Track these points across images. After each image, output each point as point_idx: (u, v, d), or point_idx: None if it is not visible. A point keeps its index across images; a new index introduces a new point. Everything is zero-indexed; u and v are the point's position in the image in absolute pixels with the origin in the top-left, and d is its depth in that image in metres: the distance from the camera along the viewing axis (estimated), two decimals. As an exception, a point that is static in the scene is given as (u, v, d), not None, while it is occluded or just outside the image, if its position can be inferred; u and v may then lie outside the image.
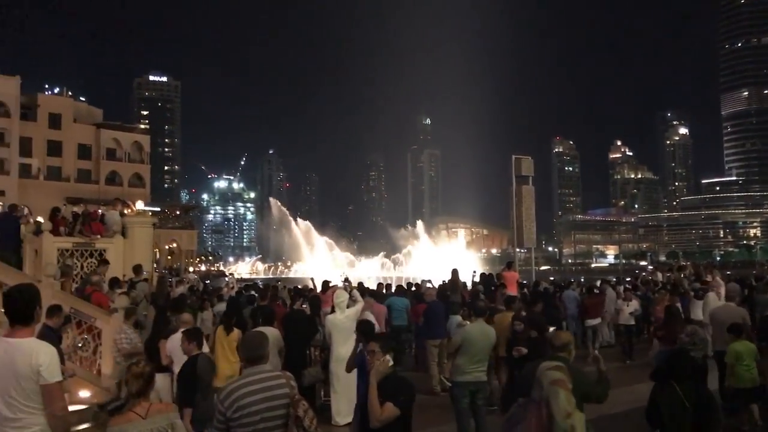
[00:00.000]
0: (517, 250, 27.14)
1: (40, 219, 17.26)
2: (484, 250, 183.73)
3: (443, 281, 18.50)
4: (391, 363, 5.02)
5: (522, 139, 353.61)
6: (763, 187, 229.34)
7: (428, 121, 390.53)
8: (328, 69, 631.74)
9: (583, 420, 4.69)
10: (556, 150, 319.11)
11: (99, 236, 15.69)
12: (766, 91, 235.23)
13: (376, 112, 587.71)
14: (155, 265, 25.53)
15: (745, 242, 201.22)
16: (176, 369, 8.12)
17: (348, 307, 10.55)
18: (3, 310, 4.66)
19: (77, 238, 15.45)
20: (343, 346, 9.68)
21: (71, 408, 6.75)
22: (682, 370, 5.70)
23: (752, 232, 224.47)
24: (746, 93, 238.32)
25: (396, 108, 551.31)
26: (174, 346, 8.29)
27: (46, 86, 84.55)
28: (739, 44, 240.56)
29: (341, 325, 10.07)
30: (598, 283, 21.72)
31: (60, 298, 10.22)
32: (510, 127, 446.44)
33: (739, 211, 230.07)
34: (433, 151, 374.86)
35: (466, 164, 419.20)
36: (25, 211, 18.16)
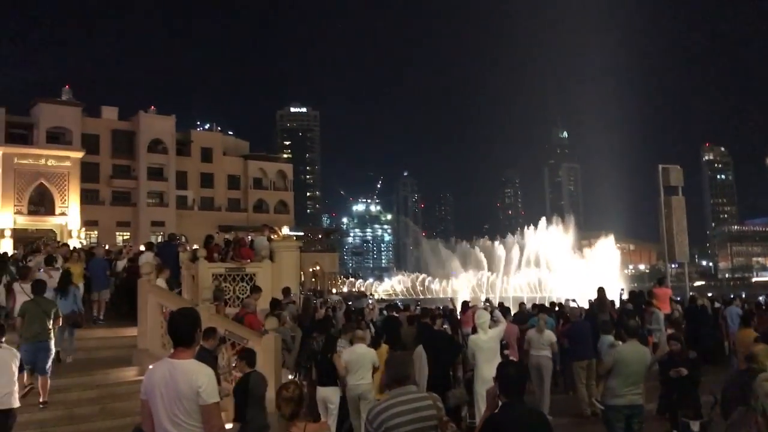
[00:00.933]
0: (668, 265, 25.65)
1: (195, 246, 18.45)
2: (631, 266, 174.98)
3: (590, 300, 17.78)
4: (497, 393, 4.52)
5: (668, 147, 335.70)
6: None
7: (565, 134, 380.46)
8: (460, 85, 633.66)
9: None
10: (707, 158, 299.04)
11: (249, 261, 16.51)
12: None
13: (510, 128, 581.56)
14: (301, 288, 26.47)
15: None
16: (351, 381, 9.56)
17: (490, 327, 10.40)
18: (168, 333, 4.97)
19: (229, 264, 16.34)
20: (488, 367, 9.53)
21: (228, 426, 7.07)
22: None
23: None
24: None
25: (530, 122, 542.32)
26: (349, 359, 9.65)
27: (198, 123, 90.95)
28: None
29: (485, 345, 9.94)
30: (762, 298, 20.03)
31: (215, 321, 10.78)
32: (654, 136, 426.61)
33: None
34: (571, 164, 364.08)
35: (607, 177, 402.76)
36: (183, 239, 19.55)
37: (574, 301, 18.81)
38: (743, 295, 28.48)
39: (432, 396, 4.80)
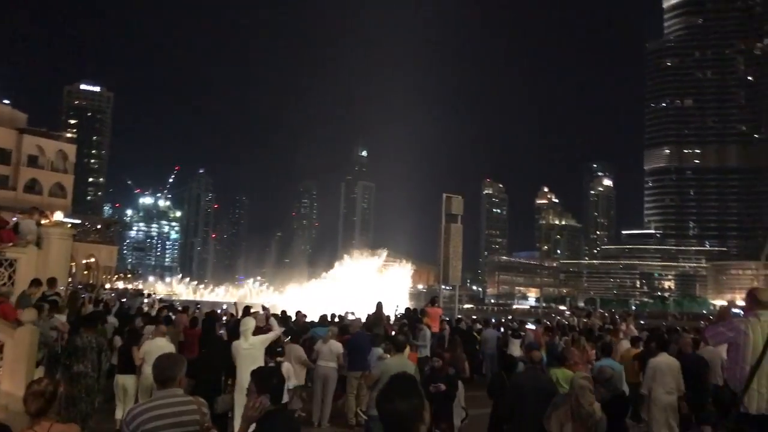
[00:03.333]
0: (443, 286, 27.36)
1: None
2: (410, 285, 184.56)
3: (368, 314, 18.48)
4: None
5: (455, 178, 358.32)
6: (678, 241, 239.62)
7: (364, 153, 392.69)
8: (267, 90, 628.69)
9: (599, 407, 7.05)
10: (486, 191, 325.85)
11: (11, 245, 14.95)
12: (685, 151, 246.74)
13: (313, 140, 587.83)
14: (70, 280, 24.51)
15: (659, 293, 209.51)
16: (147, 371, 10.35)
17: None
18: None
19: (-14, 246, 14.67)
20: (245, 374, 9.55)
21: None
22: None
23: (667, 284, 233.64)
24: (667, 151, 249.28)
25: (333, 137, 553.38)
26: (148, 350, 10.80)
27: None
28: (664, 104, 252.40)
29: (244, 352, 9.88)
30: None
31: (-39, 308, 9.64)
32: (444, 166, 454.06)
33: (656, 263, 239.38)
34: (367, 183, 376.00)
35: (399, 199, 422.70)
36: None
37: (352, 313, 19.43)
38: (503, 320, 31.36)
39: (197, 401, 4.66)
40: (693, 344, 14.89)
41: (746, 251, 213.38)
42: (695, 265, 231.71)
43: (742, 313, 7.04)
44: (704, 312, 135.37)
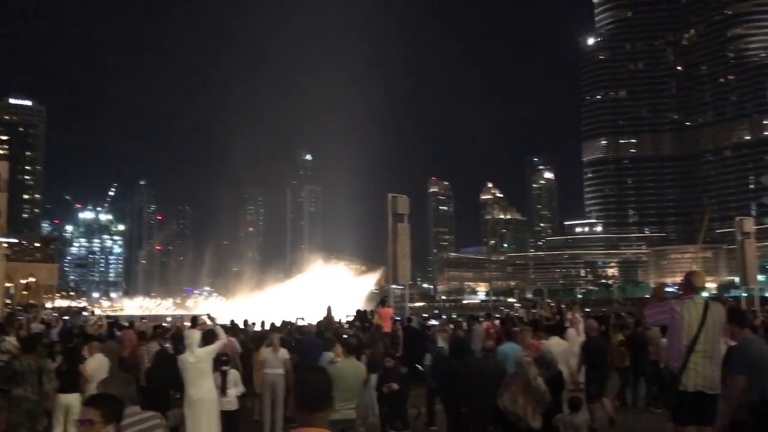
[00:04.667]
0: (393, 286, 27.45)
1: None
2: (375, 287, 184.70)
3: (318, 321, 18.40)
4: None
5: (400, 178, 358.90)
6: (619, 230, 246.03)
7: (309, 156, 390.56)
8: (204, 98, 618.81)
9: (543, 380, 8.13)
10: (432, 189, 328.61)
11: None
12: (621, 141, 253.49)
13: (255, 146, 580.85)
14: (8, 301, 23.63)
15: (603, 281, 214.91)
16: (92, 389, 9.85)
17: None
18: None
19: None
20: (193, 388, 9.51)
21: None
22: None
23: (610, 271, 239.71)
24: (604, 142, 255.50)
25: (276, 142, 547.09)
26: (95, 367, 11.07)
27: None
28: (599, 96, 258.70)
29: (191, 366, 9.71)
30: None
31: None
32: (389, 166, 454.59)
33: (599, 251, 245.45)
34: (313, 186, 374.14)
35: (346, 201, 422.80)
36: None
37: (302, 318, 19.33)
38: (452, 317, 31.95)
39: (157, 414, 4.73)
40: (634, 327, 15.46)
41: (684, 235, 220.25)
42: (636, 251, 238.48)
43: (675, 289, 7.37)
44: (647, 296, 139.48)
